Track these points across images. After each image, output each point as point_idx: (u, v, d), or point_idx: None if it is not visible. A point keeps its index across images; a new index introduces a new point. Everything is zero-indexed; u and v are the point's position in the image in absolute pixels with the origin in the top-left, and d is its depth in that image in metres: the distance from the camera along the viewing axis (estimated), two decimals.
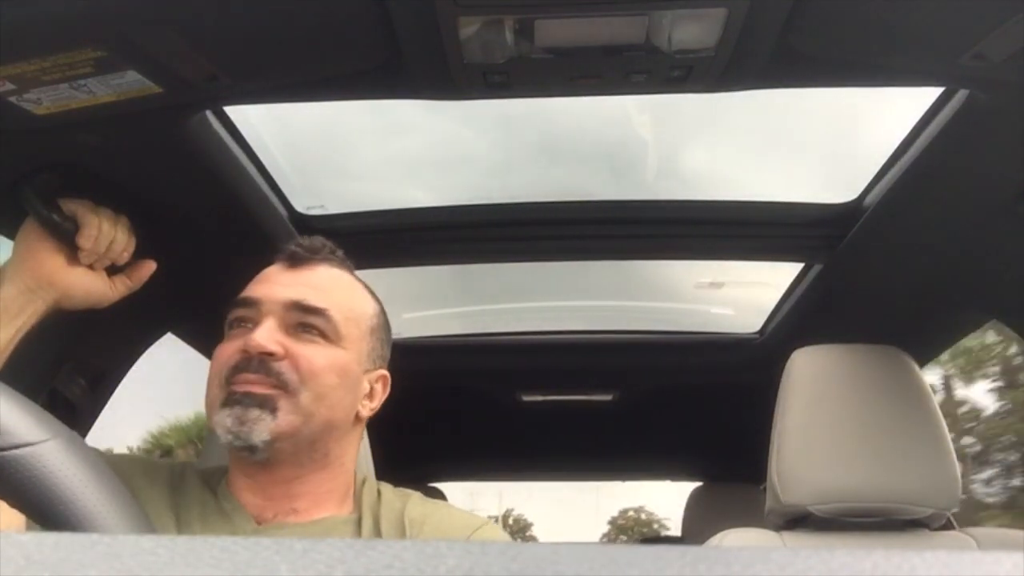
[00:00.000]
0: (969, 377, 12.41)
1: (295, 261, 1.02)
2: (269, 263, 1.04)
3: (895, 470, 1.22)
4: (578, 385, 2.32)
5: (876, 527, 1.24)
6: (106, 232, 1.06)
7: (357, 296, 1.04)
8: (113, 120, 0.97)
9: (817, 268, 1.62)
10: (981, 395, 12.79)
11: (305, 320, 0.97)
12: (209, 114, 1.10)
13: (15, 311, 0.99)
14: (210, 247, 1.34)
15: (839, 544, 0.90)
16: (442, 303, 2.17)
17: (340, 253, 1.06)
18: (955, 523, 1.37)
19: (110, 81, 0.89)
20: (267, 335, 0.93)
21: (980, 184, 1.18)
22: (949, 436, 1.27)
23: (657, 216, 1.55)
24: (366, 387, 1.02)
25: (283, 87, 1.02)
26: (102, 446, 1.31)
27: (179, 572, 0.25)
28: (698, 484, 2.65)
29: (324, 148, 1.59)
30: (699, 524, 2.46)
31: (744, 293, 2.02)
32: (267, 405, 0.92)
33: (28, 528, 0.58)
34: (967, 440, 12.21)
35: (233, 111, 1.17)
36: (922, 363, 1.43)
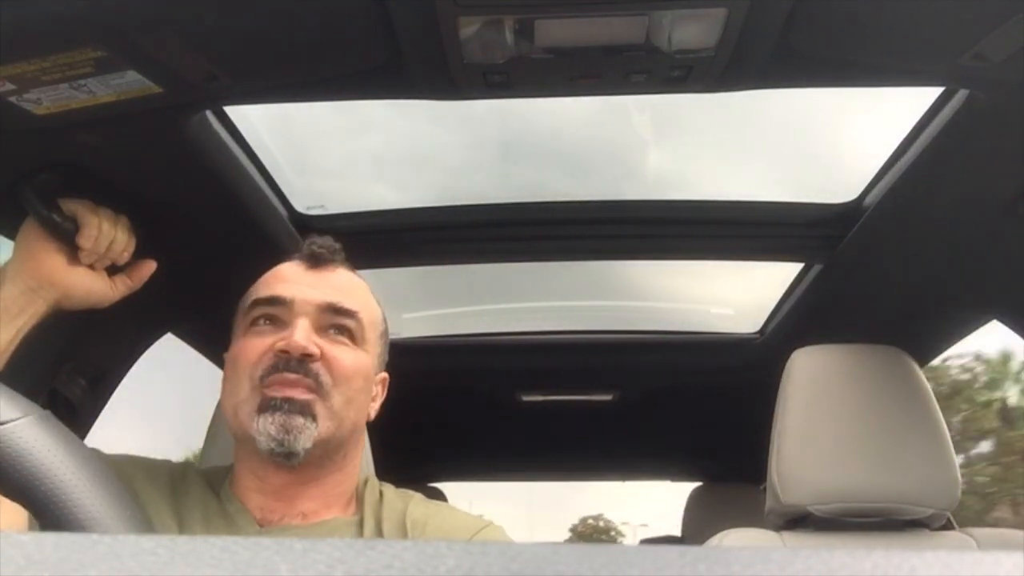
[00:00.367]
0: None
1: (317, 262, 1.01)
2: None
3: (895, 470, 1.22)
4: (578, 385, 2.31)
5: (876, 527, 1.24)
6: (106, 232, 1.05)
7: (372, 300, 1.05)
8: (113, 120, 0.97)
9: (817, 268, 1.62)
10: None
11: (338, 322, 0.97)
12: (209, 114, 1.09)
13: (15, 311, 0.99)
14: (210, 247, 1.34)
15: (839, 544, 0.89)
16: (442, 303, 2.16)
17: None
18: (955, 523, 1.37)
19: (110, 81, 0.89)
20: (306, 336, 0.93)
21: (980, 184, 1.18)
22: (949, 436, 1.27)
23: (657, 216, 1.55)
24: (374, 390, 1.03)
25: (283, 87, 1.02)
26: (103, 447, 1.30)
27: (179, 572, 0.25)
28: (698, 484, 2.64)
29: (324, 148, 1.59)
30: (699, 524, 2.45)
31: (744, 293, 2.02)
32: (308, 412, 0.91)
33: (28, 528, 0.59)
34: None
35: (233, 111, 1.17)
36: (922, 363, 1.43)
